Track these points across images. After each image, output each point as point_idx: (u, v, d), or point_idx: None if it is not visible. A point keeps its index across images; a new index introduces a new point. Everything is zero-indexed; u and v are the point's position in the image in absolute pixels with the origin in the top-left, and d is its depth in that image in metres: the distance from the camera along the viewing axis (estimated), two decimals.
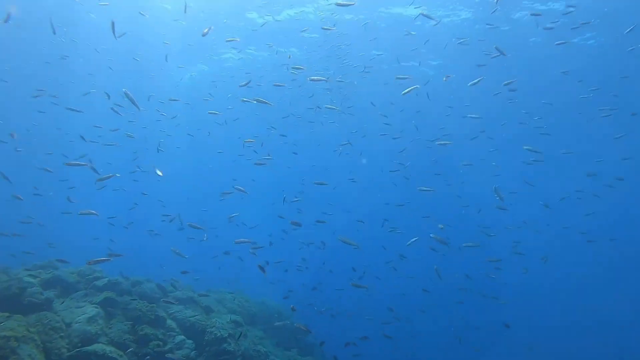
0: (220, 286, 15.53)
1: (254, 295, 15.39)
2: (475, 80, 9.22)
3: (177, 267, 12.10)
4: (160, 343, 9.63)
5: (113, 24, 8.74)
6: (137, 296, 11.12)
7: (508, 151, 21.22)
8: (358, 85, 19.77)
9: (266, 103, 9.74)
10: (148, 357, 9.16)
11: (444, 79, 10.98)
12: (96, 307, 9.56)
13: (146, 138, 18.92)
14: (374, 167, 18.65)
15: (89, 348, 8.37)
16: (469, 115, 13.11)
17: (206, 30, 9.61)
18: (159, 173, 8.52)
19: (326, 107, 13.53)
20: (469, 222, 16.15)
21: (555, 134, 19.59)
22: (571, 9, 13.86)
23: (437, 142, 12.29)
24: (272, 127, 16.72)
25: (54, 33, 14.24)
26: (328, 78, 11.09)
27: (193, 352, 10.01)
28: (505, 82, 10.67)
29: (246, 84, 11.23)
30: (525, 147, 10.57)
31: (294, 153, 13.45)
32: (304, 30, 17.73)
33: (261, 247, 10.68)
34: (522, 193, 19.69)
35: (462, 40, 14.25)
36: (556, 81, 17.97)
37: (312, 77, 10.25)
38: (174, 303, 11.27)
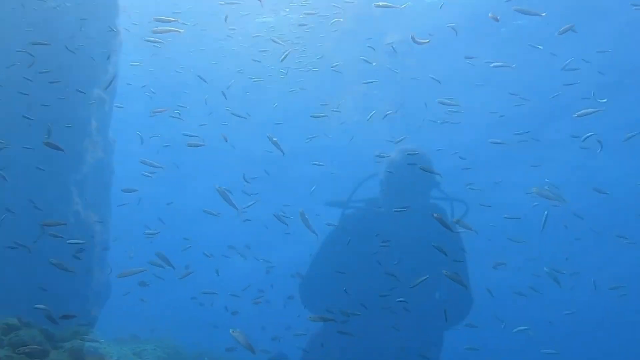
0: (135, 331, 15.33)
1: (187, 344, 15.25)
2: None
3: (59, 303, 11.60)
4: None
5: None
6: (11, 348, 10.77)
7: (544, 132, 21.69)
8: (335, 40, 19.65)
9: (177, 31, 9.40)
10: None
11: (494, 17, 10.88)
12: None
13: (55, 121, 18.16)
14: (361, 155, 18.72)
15: None
16: (493, 64, 13.09)
17: None
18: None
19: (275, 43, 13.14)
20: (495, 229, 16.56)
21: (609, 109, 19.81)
22: None
23: (439, 100, 12.44)
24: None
25: None
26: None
27: None
28: (562, 28, 10.69)
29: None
30: (576, 115, 10.63)
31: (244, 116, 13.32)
32: None
33: (191, 273, 10.47)
34: (569, 186, 20.31)
35: None
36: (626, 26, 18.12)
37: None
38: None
